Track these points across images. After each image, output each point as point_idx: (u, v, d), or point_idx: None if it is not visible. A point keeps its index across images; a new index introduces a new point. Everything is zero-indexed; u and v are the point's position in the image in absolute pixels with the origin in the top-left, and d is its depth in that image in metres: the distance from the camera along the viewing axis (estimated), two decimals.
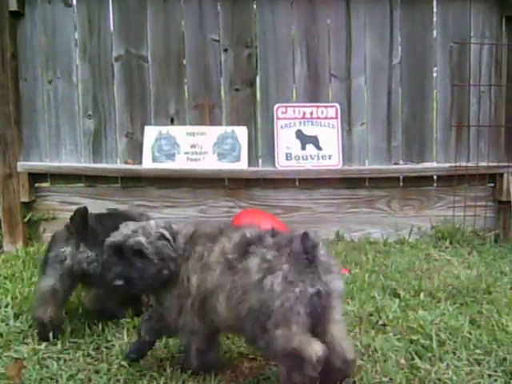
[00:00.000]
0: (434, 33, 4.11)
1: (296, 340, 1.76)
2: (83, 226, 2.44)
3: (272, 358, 1.98)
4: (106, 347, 2.33)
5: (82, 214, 2.45)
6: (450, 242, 3.93)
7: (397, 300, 2.79)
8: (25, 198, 4.01)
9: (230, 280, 1.89)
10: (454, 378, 2.04)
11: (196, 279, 1.97)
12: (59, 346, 2.34)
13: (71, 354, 2.28)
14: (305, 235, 1.83)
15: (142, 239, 2.00)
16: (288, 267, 1.81)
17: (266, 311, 1.78)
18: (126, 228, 2.07)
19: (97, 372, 2.13)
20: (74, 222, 2.44)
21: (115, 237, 2.04)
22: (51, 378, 2.09)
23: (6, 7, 3.91)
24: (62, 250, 2.42)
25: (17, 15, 4.00)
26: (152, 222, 2.13)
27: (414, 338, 2.36)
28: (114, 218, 2.49)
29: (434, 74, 4.14)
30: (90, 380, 2.07)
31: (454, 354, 2.24)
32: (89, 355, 2.28)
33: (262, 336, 1.80)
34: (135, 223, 2.13)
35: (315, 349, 1.75)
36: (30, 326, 2.51)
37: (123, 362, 2.18)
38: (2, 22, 3.92)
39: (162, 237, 2.04)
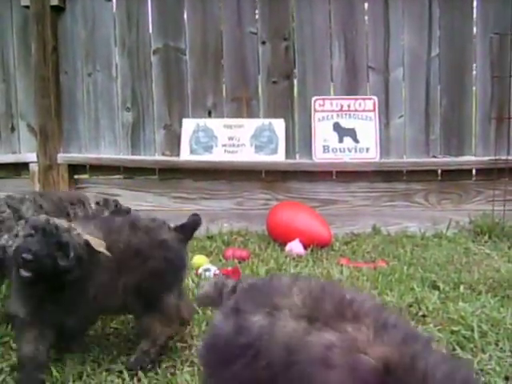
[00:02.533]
0: (474, 24, 4.05)
1: None
2: None
3: None
4: None
5: None
6: (489, 237, 3.86)
7: (436, 292, 2.76)
8: (64, 189, 4.07)
9: None
10: (498, 368, 2.02)
11: None
12: (100, 331, 2.38)
13: (112, 340, 2.31)
14: None
15: None
16: None
17: None
18: None
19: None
20: None
21: None
22: (93, 361, 2.13)
23: (47, 1, 3.98)
24: None
25: (58, 9, 4.08)
26: None
27: (455, 328, 2.33)
28: None
29: (474, 66, 4.08)
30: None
31: (497, 345, 2.21)
32: (129, 340, 2.31)
33: None
34: None
35: None
36: None
37: None
38: (44, 16, 4.00)
39: None
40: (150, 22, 4.12)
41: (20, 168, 4.29)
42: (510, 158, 3.98)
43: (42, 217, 1.94)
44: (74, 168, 4.18)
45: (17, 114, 4.33)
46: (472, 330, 2.30)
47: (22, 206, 2.54)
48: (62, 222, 1.94)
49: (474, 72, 4.09)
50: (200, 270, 3.04)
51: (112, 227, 2.14)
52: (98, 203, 2.89)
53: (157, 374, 2.03)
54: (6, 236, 2.12)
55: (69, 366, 2.08)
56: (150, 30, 4.12)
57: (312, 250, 3.50)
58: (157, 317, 2.08)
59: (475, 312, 2.48)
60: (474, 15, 4.04)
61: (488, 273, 3.08)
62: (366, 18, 4.08)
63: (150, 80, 4.16)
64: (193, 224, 2.37)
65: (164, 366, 2.09)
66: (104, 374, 2.03)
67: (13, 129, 4.33)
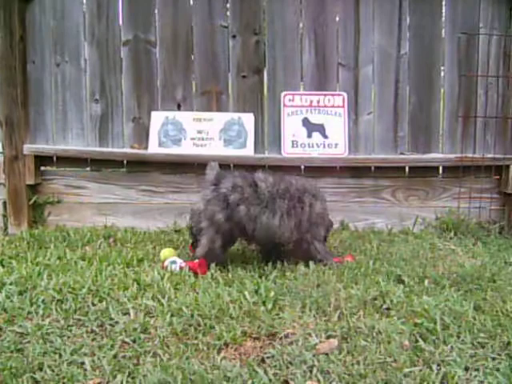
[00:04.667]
0: (443, 23, 4.10)
1: None
2: None
3: None
4: (110, 324, 2.34)
5: None
6: (455, 234, 3.92)
7: (401, 286, 2.79)
8: (30, 181, 4.02)
9: None
10: (458, 359, 2.05)
11: None
12: (63, 322, 2.35)
13: (74, 331, 2.28)
14: None
15: None
16: None
17: None
18: None
19: (100, 348, 2.13)
20: None
21: None
22: (54, 353, 2.10)
23: None
24: None
25: None
26: None
27: (418, 321, 2.35)
28: None
29: (442, 65, 4.13)
30: (93, 354, 2.08)
31: (458, 337, 2.24)
32: (92, 331, 2.28)
33: None
34: None
35: None
36: (32, 304, 2.51)
37: (127, 339, 2.19)
38: (11, 5, 3.92)
39: None
40: (120, 13, 4.07)
41: None
42: (475, 156, 4.04)
43: None
44: (41, 159, 4.11)
45: None
46: (435, 323, 2.32)
47: None
48: None
49: (442, 71, 4.14)
50: (166, 263, 3.03)
51: None
52: None
53: (119, 363, 2.02)
54: None
55: (29, 356, 2.05)
56: (120, 22, 4.08)
57: None
58: None
59: (438, 305, 2.51)
60: (443, 15, 4.09)
61: (452, 268, 3.12)
62: (337, 14, 4.09)
63: (119, 72, 4.11)
64: None
65: (127, 356, 2.07)
66: (65, 364, 2.01)
67: None
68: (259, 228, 3.01)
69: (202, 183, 3.29)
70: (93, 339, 2.22)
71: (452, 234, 3.92)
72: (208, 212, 3.05)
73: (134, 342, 2.18)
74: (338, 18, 4.09)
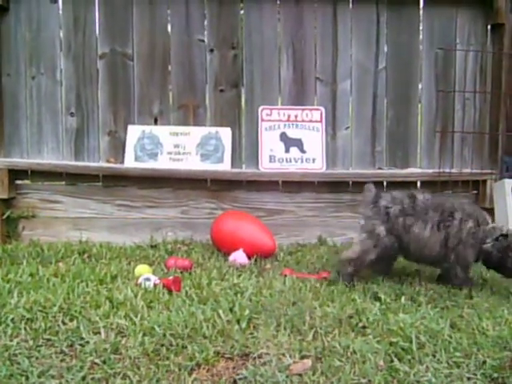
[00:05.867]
0: (420, 39, 4.12)
1: None
2: None
3: None
4: (80, 344, 2.28)
5: None
6: None
7: (377, 303, 2.76)
8: (4, 195, 3.94)
9: None
10: (434, 380, 2.02)
11: None
12: (31, 343, 2.29)
13: (43, 351, 2.22)
14: None
15: None
16: None
17: None
18: None
19: (68, 369, 2.08)
20: None
21: None
22: (21, 375, 2.04)
23: None
24: None
25: (1, 10, 3.96)
26: None
27: (394, 340, 2.32)
28: None
29: (419, 80, 4.14)
30: (61, 376, 2.02)
31: (434, 356, 2.21)
32: (62, 352, 2.23)
33: None
34: None
35: None
36: (0, 323, 2.45)
37: (97, 360, 2.13)
38: None
39: None
40: (97, 25, 4.05)
41: None
42: (453, 170, 4.04)
43: None
44: (16, 173, 4.04)
45: None
46: (410, 342, 2.30)
47: None
48: None
49: (420, 86, 4.15)
50: (140, 280, 2.98)
51: None
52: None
53: None
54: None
55: None
56: (97, 34, 4.04)
57: (256, 260, 3.48)
58: None
59: (415, 323, 2.48)
60: (420, 30, 4.11)
61: (429, 284, 3.10)
62: (315, 29, 4.09)
63: (96, 85, 4.08)
64: None
65: (96, 377, 2.02)
66: None
67: None
68: (411, 239, 3.04)
69: (361, 205, 3.28)
70: (62, 360, 2.16)
71: None
72: (368, 226, 3.10)
73: (104, 362, 2.12)
74: (316, 33, 4.09)
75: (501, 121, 4.06)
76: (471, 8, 4.10)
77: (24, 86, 4.06)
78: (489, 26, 4.10)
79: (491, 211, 3.97)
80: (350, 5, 4.09)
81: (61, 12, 4.05)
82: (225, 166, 3.96)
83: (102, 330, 2.38)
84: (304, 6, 4.06)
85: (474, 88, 4.10)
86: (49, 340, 2.32)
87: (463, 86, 4.08)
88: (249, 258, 3.46)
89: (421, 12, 4.11)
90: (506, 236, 3.01)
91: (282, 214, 4.07)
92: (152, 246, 3.86)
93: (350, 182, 4.10)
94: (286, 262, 3.56)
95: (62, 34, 4.06)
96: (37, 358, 2.16)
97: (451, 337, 2.37)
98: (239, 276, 3.18)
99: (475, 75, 4.11)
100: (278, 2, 4.06)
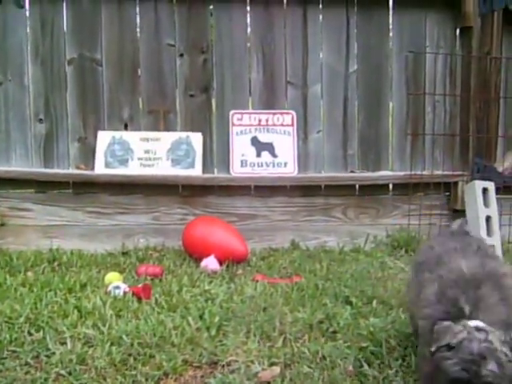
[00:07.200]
0: (390, 42, 4.14)
1: None
2: None
3: None
4: (46, 356, 2.24)
5: None
6: (406, 251, 3.91)
7: (348, 307, 2.75)
8: None
9: None
10: None
11: None
12: None
13: (7, 364, 2.18)
14: None
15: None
16: None
17: None
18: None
19: (33, 382, 2.04)
20: None
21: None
22: None
23: None
24: None
25: None
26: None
27: (364, 344, 2.31)
28: None
29: (390, 83, 4.15)
30: None
31: (404, 360, 2.20)
32: (27, 364, 2.18)
33: None
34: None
35: None
36: None
37: (62, 371, 2.09)
38: None
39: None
40: (65, 30, 4.00)
41: None
42: (424, 173, 4.06)
43: None
44: None
45: None
46: (380, 346, 2.29)
47: None
48: None
49: (391, 89, 4.16)
50: (109, 288, 2.94)
51: None
52: None
53: None
54: None
55: None
56: (65, 39, 4.00)
57: (228, 266, 3.45)
58: None
59: (385, 327, 2.48)
60: (390, 34, 4.13)
61: (401, 287, 3.09)
62: (285, 33, 4.09)
63: (65, 91, 4.03)
64: None
65: None
66: None
67: None
68: None
69: None
70: (26, 372, 2.12)
71: (403, 251, 3.90)
72: None
73: (70, 374, 2.09)
74: (286, 36, 4.08)
75: (471, 123, 4.08)
76: (440, 11, 4.12)
77: None
78: (458, 30, 4.12)
79: (463, 213, 4.00)
80: (320, 5, 4.08)
81: (28, 17, 3.99)
82: (196, 171, 3.93)
83: (69, 341, 2.34)
84: (274, 9, 4.05)
85: (443, 91, 4.13)
86: (14, 352, 2.27)
87: (433, 88, 4.10)
88: (220, 263, 3.43)
89: (390, 15, 4.12)
90: None
91: (254, 218, 4.05)
92: (123, 253, 3.81)
93: (323, 186, 4.10)
94: (258, 267, 3.53)
95: (29, 39, 4.00)
96: (0, 371, 2.12)
97: None
98: (210, 282, 3.15)
99: (445, 78, 4.13)
100: (248, 7, 4.05)
